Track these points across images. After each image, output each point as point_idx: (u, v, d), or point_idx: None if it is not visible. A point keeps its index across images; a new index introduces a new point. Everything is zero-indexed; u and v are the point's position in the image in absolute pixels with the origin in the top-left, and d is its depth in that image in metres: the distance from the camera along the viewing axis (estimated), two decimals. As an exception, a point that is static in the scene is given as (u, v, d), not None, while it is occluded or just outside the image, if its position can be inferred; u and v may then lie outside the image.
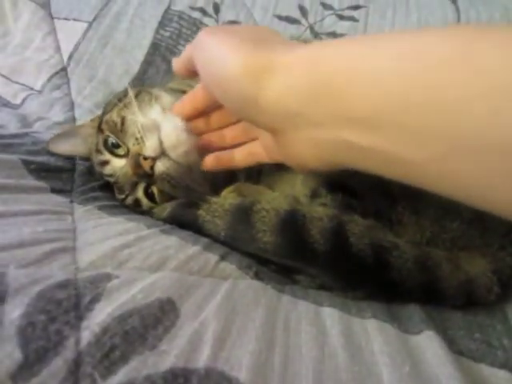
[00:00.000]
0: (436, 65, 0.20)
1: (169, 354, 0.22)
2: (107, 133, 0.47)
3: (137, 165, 0.43)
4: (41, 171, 0.45)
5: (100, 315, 0.23)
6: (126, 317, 0.23)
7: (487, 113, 0.19)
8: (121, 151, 0.47)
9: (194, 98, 0.41)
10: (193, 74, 0.37)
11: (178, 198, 0.46)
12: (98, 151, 0.48)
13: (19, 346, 0.19)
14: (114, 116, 0.48)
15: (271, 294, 0.33)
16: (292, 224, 0.35)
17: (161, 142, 0.43)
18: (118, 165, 0.47)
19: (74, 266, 0.28)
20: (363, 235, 0.35)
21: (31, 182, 0.42)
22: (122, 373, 0.20)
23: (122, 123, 0.46)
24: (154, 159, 0.43)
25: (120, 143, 0.46)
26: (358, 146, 0.24)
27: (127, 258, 0.31)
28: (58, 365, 0.19)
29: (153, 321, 0.24)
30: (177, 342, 0.23)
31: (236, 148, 0.42)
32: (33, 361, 0.19)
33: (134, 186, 0.47)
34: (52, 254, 0.29)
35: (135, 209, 0.47)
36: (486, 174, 0.20)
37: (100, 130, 0.49)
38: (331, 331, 0.29)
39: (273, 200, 0.40)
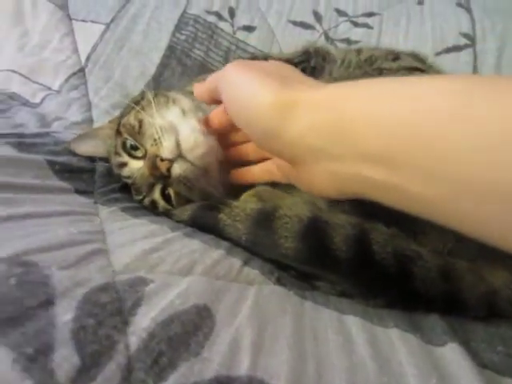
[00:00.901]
0: (441, 118, 0.22)
1: (212, 362, 0.22)
2: (125, 135, 0.48)
3: (153, 166, 0.43)
4: (64, 172, 0.45)
5: (144, 320, 0.23)
6: (168, 322, 0.24)
7: (485, 163, 0.20)
8: (139, 153, 0.47)
9: (220, 114, 0.43)
10: (215, 103, 0.39)
11: (194, 200, 0.46)
12: (117, 153, 0.49)
13: (75, 349, 0.19)
14: (131, 119, 0.48)
15: (295, 300, 0.33)
16: (315, 231, 0.35)
17: (178, 144, 0.43)
18: (135, 166, 0.47)
19: (110, 269, 0.28)
20: (386, 243, 0.35)
21: (56, 182, 0.43)
22: (172, 379, 0.20)
23: (140, 126, 0.46)
24: (171, 161, 0.43)
25: (138, 145, 0.47)
26: (374, 180, 0.26)
27: (157, 261, 0.31)
28: (111, 369, 0.20)
29: (192, 327, 0.24)
30: (217, 349, 0.23)
31: (257, 164, 0.45)
32: (89, 365, 0.19)
33: (151, 187, 0.47)
34: (87, 255, 0.29)
35: (153, 210, 0.47)
36: (493, 220, 0.21)
37: (118, 132, 0.50)
38: (357, 340, 0.29)
39: (293, 206, 0.40)
